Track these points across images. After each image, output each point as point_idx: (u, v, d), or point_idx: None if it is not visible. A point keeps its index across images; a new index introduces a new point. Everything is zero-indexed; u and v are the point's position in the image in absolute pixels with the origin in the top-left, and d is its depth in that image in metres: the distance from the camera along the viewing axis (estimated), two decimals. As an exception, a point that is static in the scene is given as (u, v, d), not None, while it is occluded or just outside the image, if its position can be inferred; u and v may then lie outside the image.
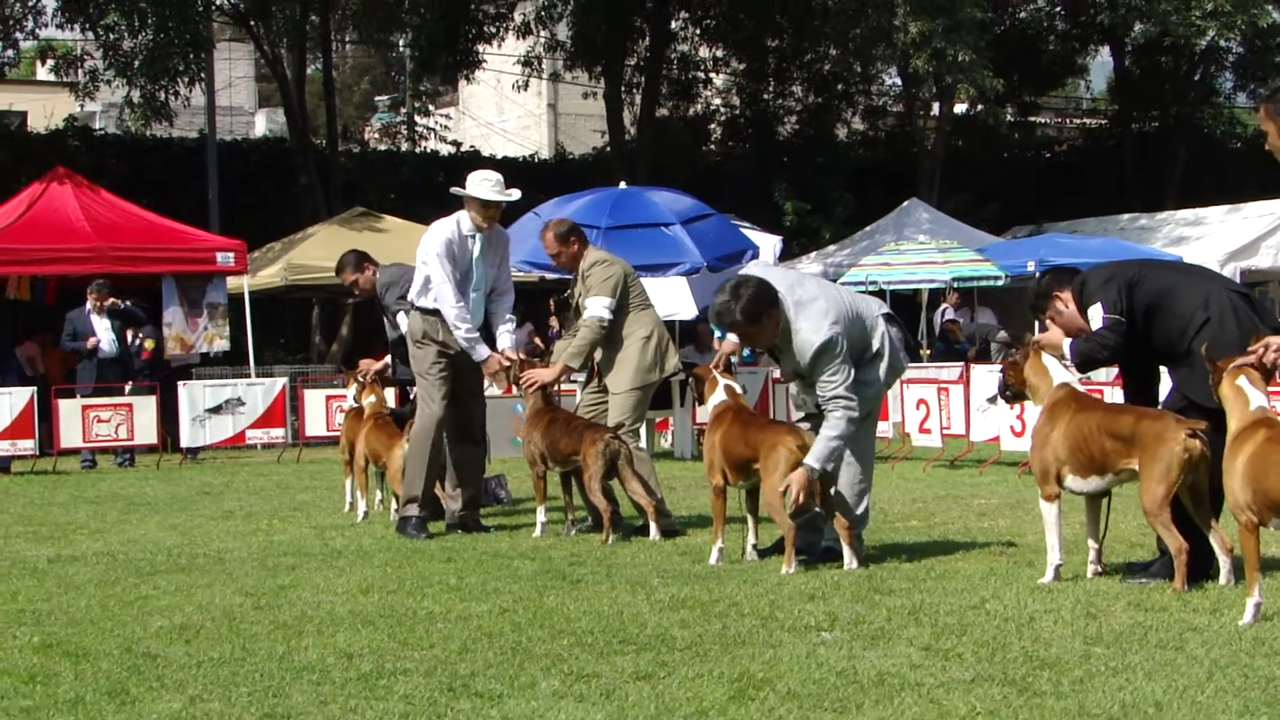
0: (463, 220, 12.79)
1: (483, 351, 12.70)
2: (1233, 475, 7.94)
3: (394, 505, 13.82)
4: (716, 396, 11.00)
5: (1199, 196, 38.09)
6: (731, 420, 10.76)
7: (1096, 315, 9.37)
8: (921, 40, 33.17)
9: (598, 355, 12.95)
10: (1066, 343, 9.62)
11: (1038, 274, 29.73)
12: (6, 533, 13.93)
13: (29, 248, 24.78)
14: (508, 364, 12.78)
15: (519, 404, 14.47)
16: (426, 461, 12.76)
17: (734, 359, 11.29)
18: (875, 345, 10.59)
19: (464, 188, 12.78)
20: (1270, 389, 8.29)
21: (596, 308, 12.73)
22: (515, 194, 12.99)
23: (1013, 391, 10.08)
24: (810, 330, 10.26)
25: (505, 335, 12.97)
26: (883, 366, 10.61)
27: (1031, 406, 10.18)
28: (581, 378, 14.21)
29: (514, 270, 23.36)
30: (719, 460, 10.69)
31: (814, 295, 10.41)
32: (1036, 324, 10.04)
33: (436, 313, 12.73)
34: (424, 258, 12.78)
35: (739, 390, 11.09)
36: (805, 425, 10.69)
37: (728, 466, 10.65)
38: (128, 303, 24.07)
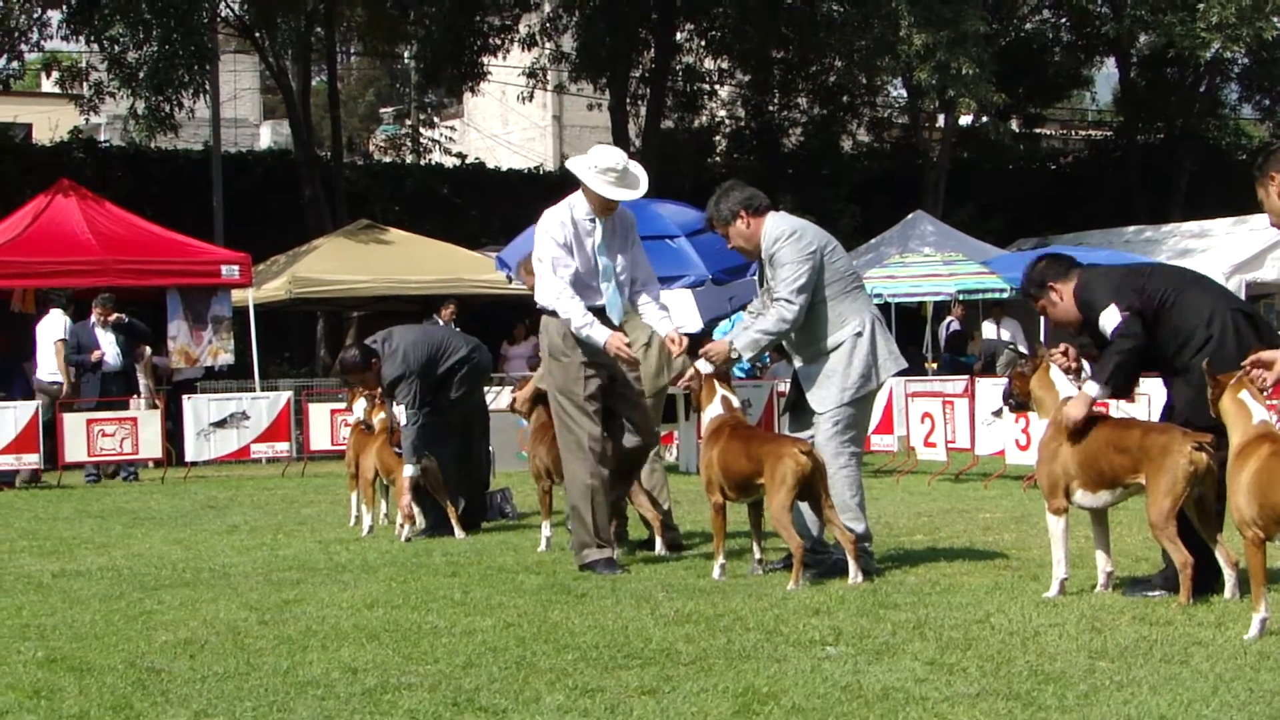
0: (576, 206, 11.32)
1: (601, 334, 11.06)
2: (1237, 490, 7.93)
3: (399, 519, 13.81)
4: (713, 410, 10.87)
5: (1205, 208, 38.10)
6: (730, 435, 10.65)
7: (1112, 316, 9.31)
8: (925, 52, 33.18)
9: None
10: (1090, 386, 9.52)
11: (1031, 264, 29.88)
12: (11, 547, 13.94)
13: (34, 261, 24.80)
14: (674, 342, 11.21)
15: (523, 419, 14.43)
16: (589, 496, 11.23)
17: (732, 361, 11.13)
18: (856, 326, 10.60)
19: (577, 166, 11.32)
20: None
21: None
22: (637, 191, 11.31)
23: (1017, 401, 10.08)
24: (779, 220, 10.71)
25: (664, 322, 11.40)
26: (860, 347, 10.58)
27: (1036, 420, 10.16)
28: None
29: (520, 284, 23.45)
30: (717, 478, 10.62)
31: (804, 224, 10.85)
32: (1042, 321, 9.99)
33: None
34: (534, 260, 11.59)
35: (736, 404, 10.97)
36: (806, 434, 10.69)
37: (728, 483, 10.58)
38: (128, 318, 24.05)
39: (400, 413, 13.90)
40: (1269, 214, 8.72)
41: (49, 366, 23.52)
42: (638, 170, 11.36)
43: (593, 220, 11.27)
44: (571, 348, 11.31)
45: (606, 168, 11.12)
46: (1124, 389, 9.49)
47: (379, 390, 14.58)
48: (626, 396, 11.60)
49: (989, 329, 31.13)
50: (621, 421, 11.60)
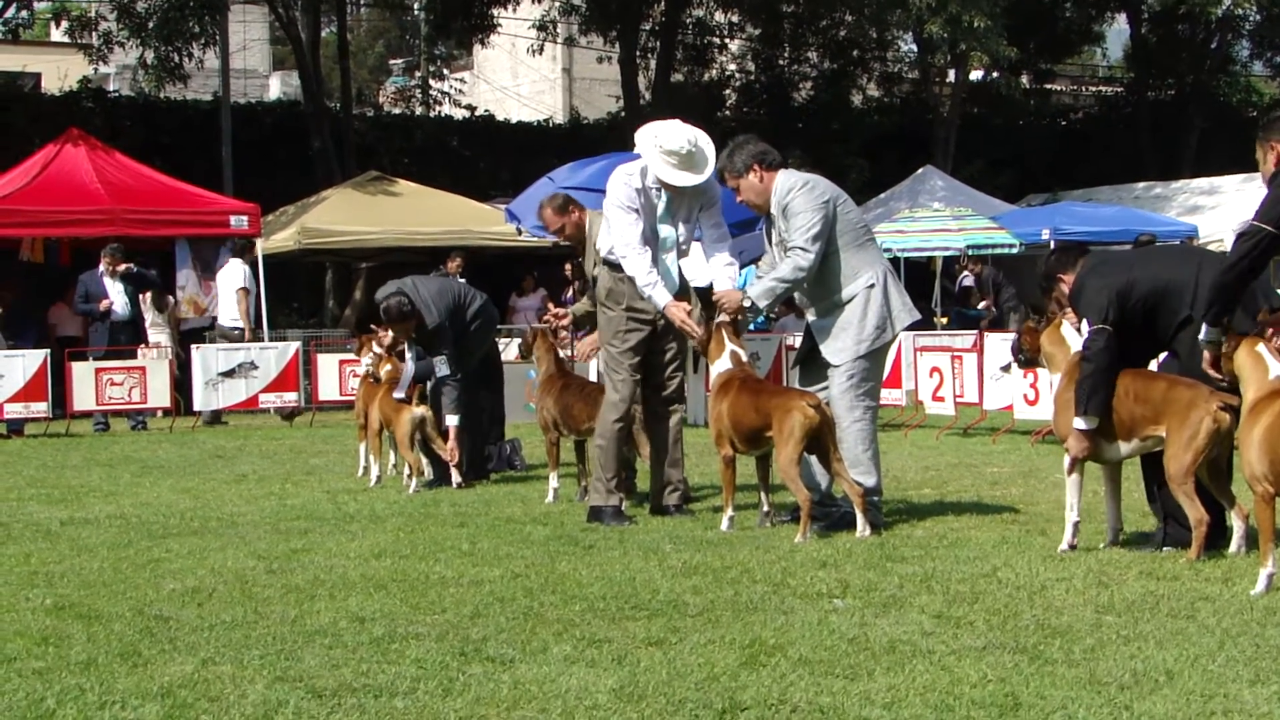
0: (647, 171, 11.16)
1: (662, 297, 11.02)
2: (1249, 445, 7.92)
3: (406, 470, 13.82)
4: (722, 364, 10.88)
5: (1214, 165, 38.00)
6: (739, 389, 10.65)
7: (1085, 329, 9.40)
8: (937, 6, 33.06)
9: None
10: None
11: (1051, 243, 29.82)
12: (20, 495, 13.96)
13: (43, 210, 24.79)
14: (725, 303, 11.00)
15: (531, 370, 14.44)
16: (613, 443, 11.36)
17: (748, 314, 11.14)
18: (869, 278, 10.61)
19: (644, 142, 11.13)
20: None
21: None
22: (702, 175, 11.10)
23: (1026, 356, 10.08)
24: (791, 174, 10.76)
25: (725, 279, 11.26)
26: (873, 299, 10.59)
27: (1046, 375, 10.15)
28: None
29: (529, 236, 23.49)
30: (727, 430, 10.63)
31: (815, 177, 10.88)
32: (1054, 303, 9.96)
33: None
34: (606, 208, 11.37)
35: (744, 358, 10.98)
36: (819, 387, 10.70)
37: (737, 437, 10.59)
38: (137, 268, 24.08)
39: (441, 364, 13.78)
40: (1262, 175, 8.69)
41: (230, 313, 24.00)
42: (706, 149, 11.14)
43: (659, 190, 11.19)
44: (617, 300, 11.35)
45: (671, 150, 10.96)
46: (1106, 403, 9.39)
47: (387, 345, 14.58)
48: (659, 360, 11.58)
49: (968, 281, 31.15)
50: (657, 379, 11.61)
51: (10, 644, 7.15)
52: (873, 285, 10.56)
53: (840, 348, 10.55)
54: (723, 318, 10.88)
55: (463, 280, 18.18)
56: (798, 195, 10.52)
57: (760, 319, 25.62)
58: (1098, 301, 9.32)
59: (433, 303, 13.78)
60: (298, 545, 10.20)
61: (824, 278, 10.56)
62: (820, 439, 10.16)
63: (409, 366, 14.18)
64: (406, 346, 14.43)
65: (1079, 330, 9.49)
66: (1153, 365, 9.85)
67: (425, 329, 13.85)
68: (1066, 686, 6.04)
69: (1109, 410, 9.23)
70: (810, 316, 10.85)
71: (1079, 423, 9.27)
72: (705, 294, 11.68)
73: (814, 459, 10.40)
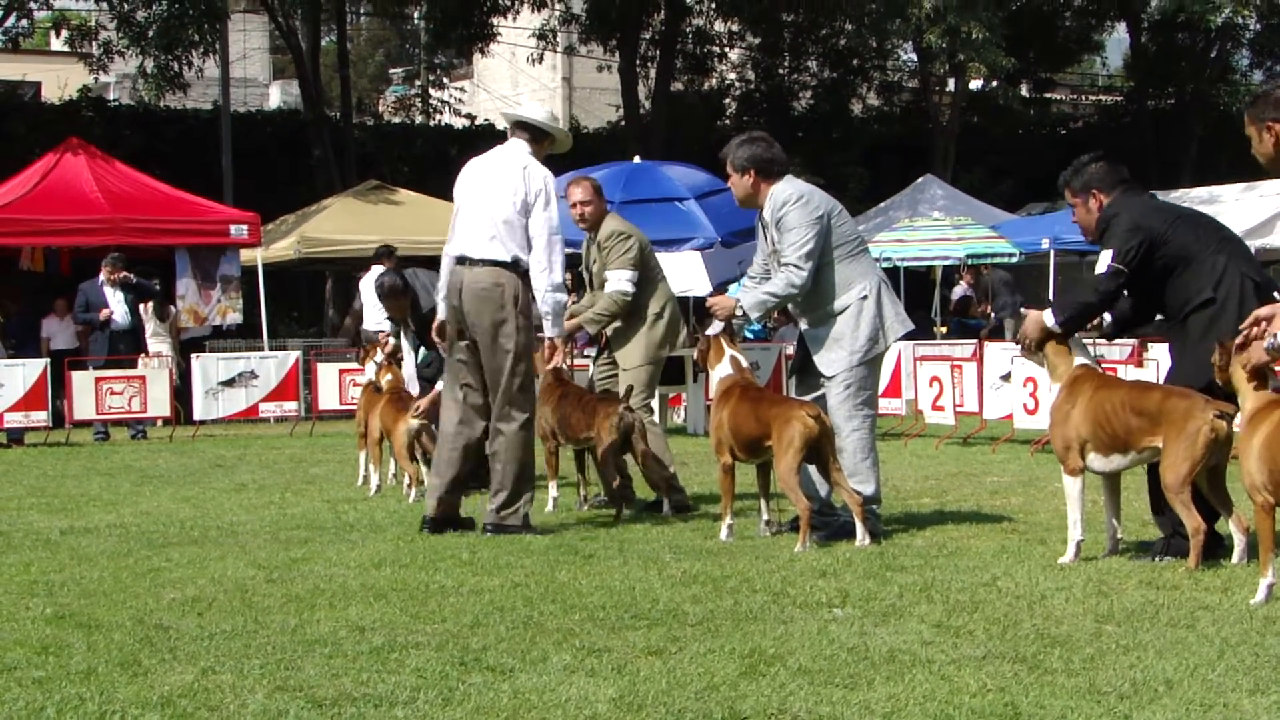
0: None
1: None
2: (1249, 455, 7.91)
3: (405, 480, 13.83)
4: (722, 370, 10.93)
5: (1214, 174, 38.01)
6: (739, 397, 10.67)
7: (1103, 261, 9.39)
8: (936, 16, 33.10)
9: (610, 328, 12.89)
10: (1048, 314, 9.62)
11: (1051, 253, 29.81)
12: (20, 504, 13.96)
13: (43, 219, 24.84)
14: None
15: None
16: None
17: (738, 321, 11.18)
18: (862, 290, 10.61)
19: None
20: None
21: (619, 281, 12.59)
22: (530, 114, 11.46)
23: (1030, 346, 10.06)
24: (787, 185, 10.72)
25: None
26: (867, 310, 10.60)
27: (1045, 384, 10.15)
28: (592, 352, 14.17)
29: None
30: (726, 438, 10.65)
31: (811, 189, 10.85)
32: (1075, 206, 9.84)
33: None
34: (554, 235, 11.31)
35: (745, 364, 11.02)
36: (815, 395, 10.72)
37: (737, 445, 10.61)
38: (137, 278, 24.08)
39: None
40: (1259, 155, 8.59)
41: (376, 317, 24.03)
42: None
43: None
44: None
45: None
46: (1073, 331, 9.60)
47: (388, 353, 14.58)
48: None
49: (961, 292, 31.24)
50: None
51: (10, 653, 7.15)
52: (865, 296, 10.57)
53: (833, 359, 10.56)
54: (718, 325, 10.91)
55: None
56: (792, 210, 10.52)
57: (757, 328, 25.68)
58: (1127, 241, 9.31)
59: (430, 288, 13.80)
60: (298, 554, 10.20)
61: (817, 289, 10.57)
62: (819, 449, 10.17)
63: (407, 363, 14.19)
64: (402, 334, 14.47)
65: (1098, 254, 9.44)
66: (1158, 376, 9.85)
67: (419, 311, 13.89)
68: (1066, 696, 6.05)
69: (1076, 330, 9.40)
70: (803, 325, 10.88)
71: (1049, 317, 9.54)
72: (704, 303, 11.74)
73: (813, 468, 10.42)
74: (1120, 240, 9.35)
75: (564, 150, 11.66)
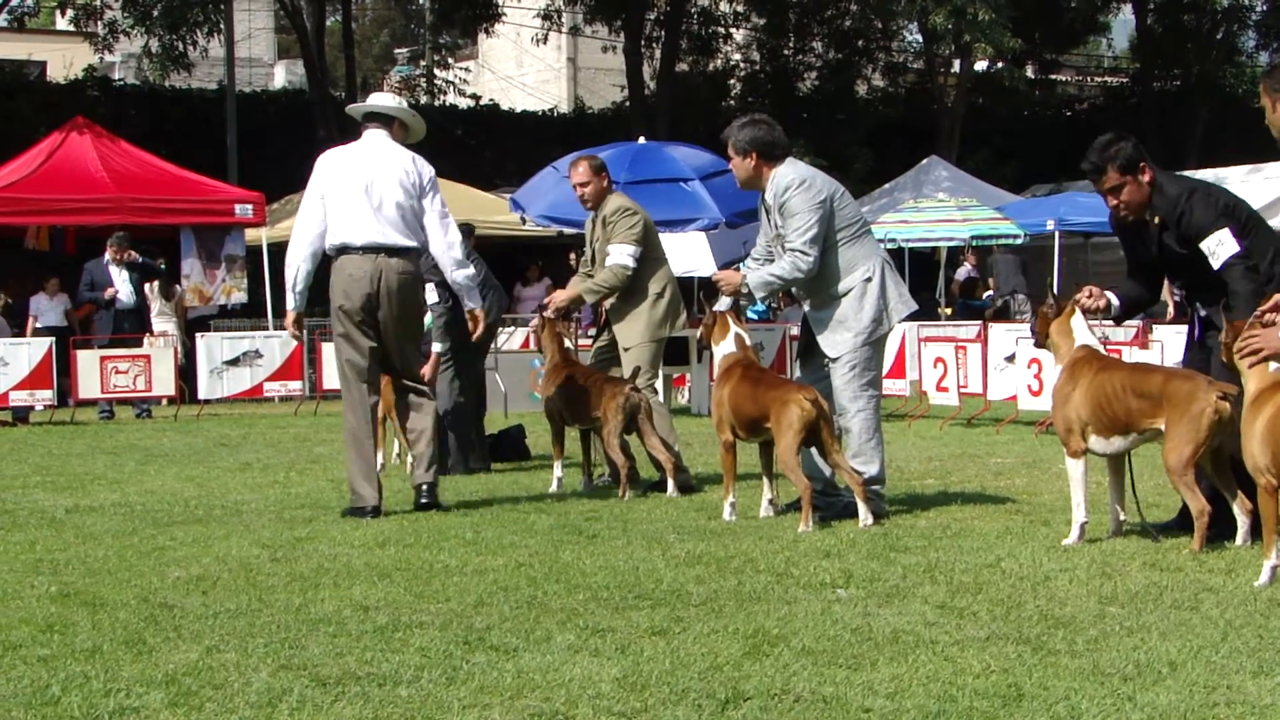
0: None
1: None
2: (1252, 437, 7.90)
3: (409, 459, 13.84)
4: (726, 346, 10.94)
5: (1220, 156, 37.95)
6: (741, 377, 10.69)
7: (1228, 241, 9.16)
8: (941, -3, 33.09)
9: (607, 304, 12.88)
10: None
11: (1055, 234, 29.78)
12: (25, 483, 13.98)
13: (48, 198, 24.82)
14: None
15: (536, 359, 14.44)
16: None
17: (742, 301, 11.19)
18: (865, 272, 10.61)
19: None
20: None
21: (621, 255, 12.59)
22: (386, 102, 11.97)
23: (1038, 339, 10.05)
24: (790, 169, 10.70)
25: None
26: (870, 292, 10.59)
27: (1051, 366, 10.14)
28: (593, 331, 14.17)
29: (533, 225, 23.56)
30: (728, 416, 10.67)
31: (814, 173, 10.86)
32: (1110, 196, 9.67)
33: None
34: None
35: (748, 342, 11.03)
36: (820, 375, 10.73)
37: (737, 423, 10.64)
38: (144, 258, 24.08)
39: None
40: (1271, 126, 8.55)
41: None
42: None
43: None
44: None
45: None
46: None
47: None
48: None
49: (964, 273, 31.24)
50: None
51: (15, 631, 7.16)
52: (869, 278, 10.57)
53: (837, 341, 10.56)
54: (725, 302, 10.93)
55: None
56: (795, 195, 10.51)
57: (762, 308, 25.68)
58: (1234, 217, 9.21)
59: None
60: (302, 533, 10.21)
61: (821, 272, 10.56)
62: (818, 432, 10.18)
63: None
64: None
65: (1201, 238, 9.19)
66: (1173, 360, 9.80)
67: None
68: (1070, 677, 6.05)
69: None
70: (806, 307, 10.89)
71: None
72: (709, 283, 11.76)
73: (814, 450, 10.43)
74: (1221, 215, 9.21)
75: (418, 139, 11.93)
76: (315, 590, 8.12)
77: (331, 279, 11.38)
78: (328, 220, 11.36)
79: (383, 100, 11.89)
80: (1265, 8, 43.32)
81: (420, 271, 11.60)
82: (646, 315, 12.68)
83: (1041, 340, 9.94)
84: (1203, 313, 9.50)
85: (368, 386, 11.40)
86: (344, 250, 11.29)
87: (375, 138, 11.57)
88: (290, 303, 11.74)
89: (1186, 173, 35.76)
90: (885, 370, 11.69)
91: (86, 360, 22.15)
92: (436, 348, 14.08)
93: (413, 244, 11.38)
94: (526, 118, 42.73)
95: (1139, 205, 9.56)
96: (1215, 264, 9.16)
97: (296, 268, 11.50)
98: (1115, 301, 9.79)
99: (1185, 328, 9.98)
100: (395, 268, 11.26)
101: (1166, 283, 10.56)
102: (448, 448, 13.92)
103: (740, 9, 42.80)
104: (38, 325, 25.40)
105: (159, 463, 15.67)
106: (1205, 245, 9.20)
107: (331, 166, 11.51)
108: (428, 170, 11.54)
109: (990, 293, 31.07)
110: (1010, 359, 17.67)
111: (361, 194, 11.29)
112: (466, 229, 22.90)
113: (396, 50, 68.36)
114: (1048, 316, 9.82)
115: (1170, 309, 22.59)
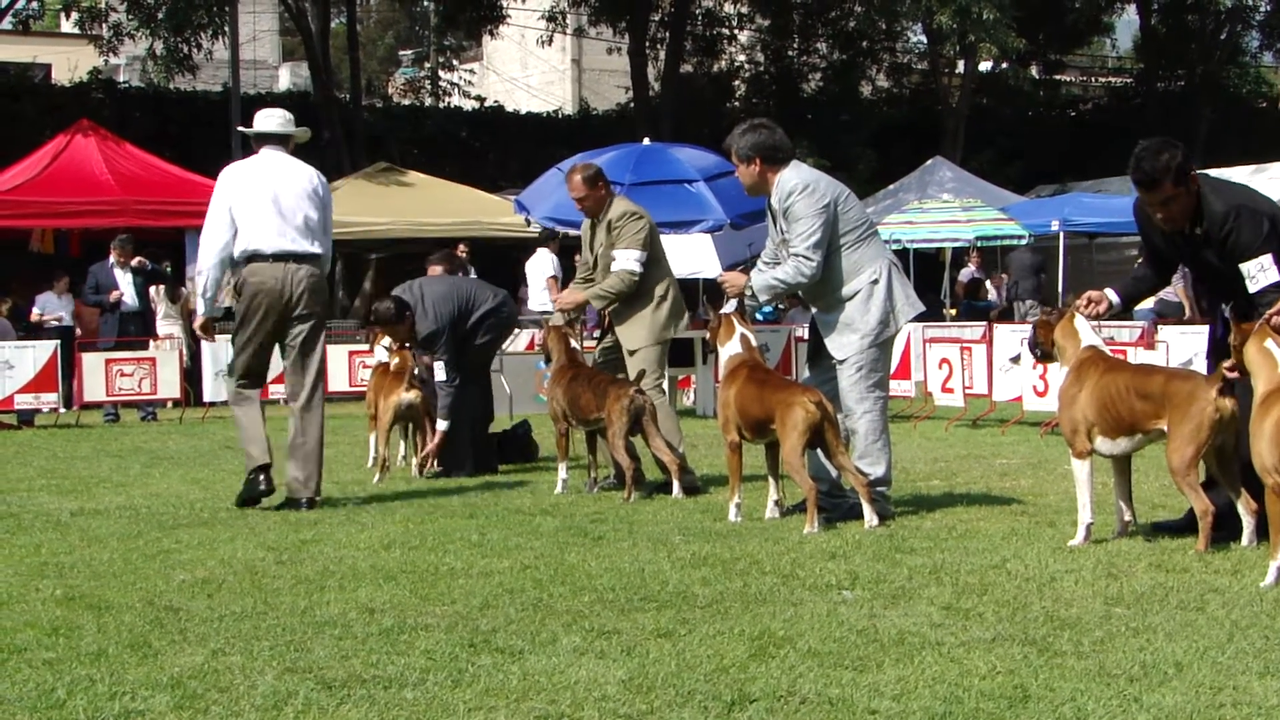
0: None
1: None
2: (1260, 438, 7.90)
3: (414, 460, 13.86)
4: (731, 347, 10.93)
5: (1224, 156, 37.93)
6: (746, 378, 10.69)
7: (1270, 268, 8.96)
8: (946, -3, 33.09)
9: (611, 308, 12.88)
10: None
11: (1060, 235, 29.76)
12: (30, 486, 13.98)
13: (53, 200, 24.86)
14: None
15: (541, 361, 14.43)
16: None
17: (748, 301, 11.19)
18: (872, 274, 10.61)
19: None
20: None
21: (628, 261, 12.60)
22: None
23: (1042, 350, 10.02)
24: (793, 174, 10.69)
25: None
26: (877, 294, 10.59)
27: (1056, 368, 10.13)
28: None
29: (538, 227, 23.64)
30: (734, 417, 10.67)
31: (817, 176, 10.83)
32: (1161, 208, 9.46)
33: None
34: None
35: (754, 343, 11.03)
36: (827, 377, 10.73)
37: (743, 425, 10.65)
38: (151, 263, 24.07)
39: (439, 369, 13.85)
40: None
41: (540, 299, 24.67)
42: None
43: None
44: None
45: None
46: None
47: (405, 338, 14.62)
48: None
49: (968, 274, 31.24)
50: None
51: (20, 634, 7.17)
52: (876, 281, 10.57)
53: (845, 343, 10.56)
54: (732, 304, 10.94)
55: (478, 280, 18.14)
56: (798, 200, 10.51)
57: (769, 310, 25.67)
58: (1269, 234, 9.04)
59: (433, 307, 13.83)
60: (307, 536, 10.21)
61: (827, 275, 10.56)
62: (822, 434, 10.19)
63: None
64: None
65: (1243, 261, 9.01)
66: (1198, 363, 9.76)
67: (422, 334, 13.91)
68: (1075, 678, 6.05)
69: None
70: (814, 310, 10.90)
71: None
72: (714, 284, 11.78)
73: (819, 452, 10.44)
74: (1269, 238, 9.00)
75: (303, 142, 12.64)
76: (320, 593, 8.12)
77: (240, 284, 12.14)
78: (236, 229, 11.95)
79: (269, 124, 12.39)
80: (1269, 8, 43.30)
81: (324, 274, 12.32)
82: (650, 318, 12.69)
83: (1047, 350, 9.89)
84: (1229, 313, 9.46)
85: (255, 384, 12.53)
86: (253, 258, 11.97)
87: (274, 153, 12.23)
88: (201, 308, 12.64)
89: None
90: (891, 371, 11.67)
91: (91, 363, 22.15)
92: (442, 425, 13.97)
93: (318, 251, 12.11)
94: (531, 119, 42.75)
95: (1185, 216, 9.34)
96: (1253, 288, 8.98)
97: (206, 275, 12.21)
98: (1115, 300, 9.77)
99: (1190, 328, 9.98)
100: (306, 274, 12.03)
101: (1183, 286, 10.54)
102: (456, 449, 13.94)
103: (744, 10, 42.81)
104: (49, 323, 25.37)
105: (164, 465, 15.68)
106: (1246, 268, 9.03)
107: (237, 178, 12.15)
108: (325, 185, 12.42)
109: (992, 295, 31.06)
110: (1015, 359, 17.64)
111: (269, 204, 11.96)
112: (550, 234, 23.86)
113: (401, 52, 68.32)
114: (1050, 324, 9.81)
115: (1187, 309, 22.56)
